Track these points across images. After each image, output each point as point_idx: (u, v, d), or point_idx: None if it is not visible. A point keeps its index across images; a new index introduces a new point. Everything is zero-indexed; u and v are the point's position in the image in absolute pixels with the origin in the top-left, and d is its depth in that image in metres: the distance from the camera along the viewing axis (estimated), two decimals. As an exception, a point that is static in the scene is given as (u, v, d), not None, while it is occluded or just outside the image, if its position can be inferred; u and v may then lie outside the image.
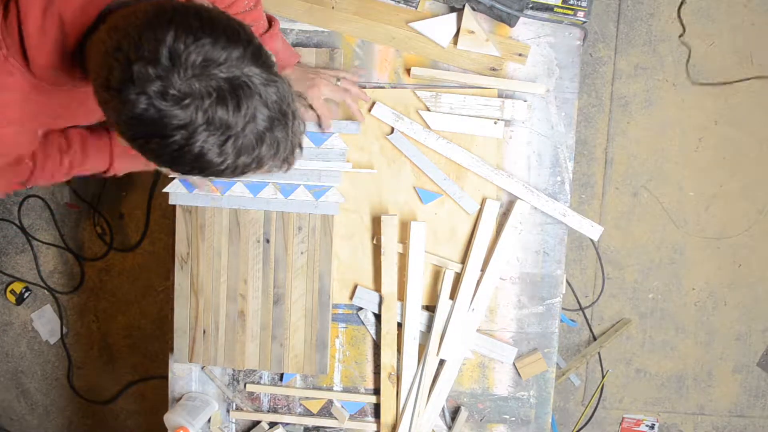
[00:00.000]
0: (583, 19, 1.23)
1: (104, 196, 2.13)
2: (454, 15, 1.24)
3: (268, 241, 1.27)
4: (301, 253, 1.27)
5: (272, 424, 1.33)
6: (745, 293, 2.24)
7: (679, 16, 2.09)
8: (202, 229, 1.27)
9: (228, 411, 1.34)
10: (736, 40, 2.15)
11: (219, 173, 0.72)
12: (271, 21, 1.11)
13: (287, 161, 0.76)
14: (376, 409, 1.32)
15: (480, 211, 1.26)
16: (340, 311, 1.31)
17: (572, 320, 2.23)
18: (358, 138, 1.26)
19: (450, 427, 1.32)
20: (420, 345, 1.28)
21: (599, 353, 2.23)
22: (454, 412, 1.33)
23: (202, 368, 1.33)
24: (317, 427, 1.33)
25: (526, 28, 1.25)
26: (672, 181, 2.21)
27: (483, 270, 1.26)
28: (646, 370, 2.28)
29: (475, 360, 1.31)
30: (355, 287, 1.29)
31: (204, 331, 1.29)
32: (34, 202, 2.14)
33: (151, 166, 1.09)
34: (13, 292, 2.15)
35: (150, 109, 0.65)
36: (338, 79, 1.21)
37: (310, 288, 1.27)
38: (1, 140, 0.85)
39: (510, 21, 1.21)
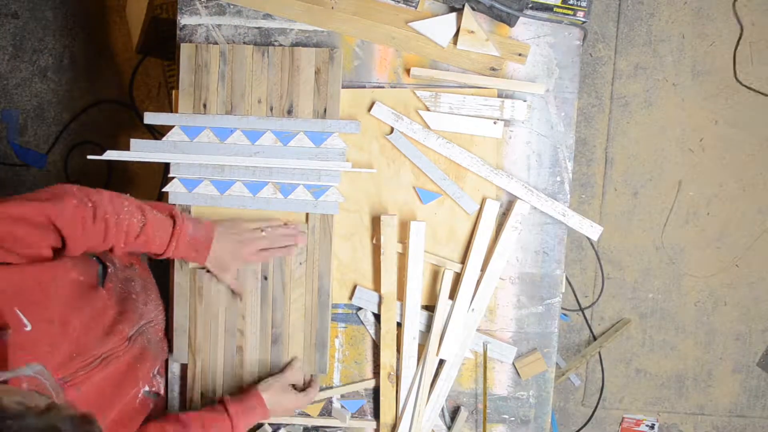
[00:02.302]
0: (583, 19, 1.23)
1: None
2: (453, 15, 1.24)
3: (266, 278, 1.27)
4: (299, 295, 1.28)
5: (273, 426, 1.33)
6: (745, 293, 2.24)
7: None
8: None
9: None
10: (735, 40, 2.15)
11: None
12: (173, 216, 1.15)
13: None
14: (376, 409, 1.32)
15: (480, 211, 1.26)
16: (340, 311, 1.31)
17: (564, 314, 2.23)
18: (357, 138, 1.26)
19: (450, 427, 1.32)
20: (419, 345, 1.28)
21: (599, 353, 2.23)
22: (454, 412, 1.33)
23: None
24: (317, 427, 1.33)
25: (525, 28, 1.25)
26: (672, 181, 2.21)
27: (483, 270, 1.26)
28: (646, 370, 2.29)
29: (475, 360, 1.31)
30: (355, 287, 1.29)
31: (203, 362, 1.29)
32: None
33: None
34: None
35: None
36: (262, 230, 1.23)
37: (309, 288, 1.27)
38: None
39: (510, 21, 1.21)
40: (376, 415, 1.32)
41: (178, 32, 1.28)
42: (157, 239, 1.11)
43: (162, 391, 1.20)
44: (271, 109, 1.25)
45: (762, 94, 2.15)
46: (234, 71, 1.25)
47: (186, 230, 1.14)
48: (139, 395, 1.13)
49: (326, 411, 1.33)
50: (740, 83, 2.15)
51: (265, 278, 1.26)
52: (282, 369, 1.27)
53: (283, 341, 1.28)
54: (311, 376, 1.29)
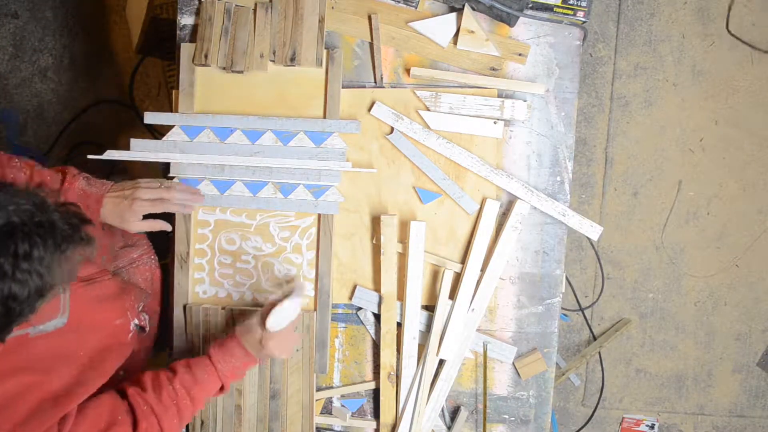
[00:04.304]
0: (583, 19, 1.23)
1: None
2: (453, 15, 1.24)
3: None
4: (297, 350, 1.28)
5: None
6: (745, 293, 2.24)
7: None
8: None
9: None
10: (736, 40, 2.15)
11: None
12: (63, 172, 1.13)
13: None
14: (376, 409, 1.32)
15: (480, 210, 1.26)
16: (340, 311, 1.31)
17: (564, 314, 2.23)
18: (357, 138, 1.26)
19: (450, 427, 1.32)
20: (420, 345, 1.28)
21: (599, 353, 2.23)
22: (454, 412, 1.33)
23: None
24: (317, 428, 1.33)
25: (525, 28, 1.25)
26: (672, 181, 2.21)
27: (483, 270, 1.26)
28: (646, 370, 2.29)
29: (475, 360, 1.31)
30: (355, 287, 1.29)
31: (202, 423, 1.29)
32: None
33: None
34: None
35: None
36: (161, 185, 1.17)
37: (306, 347, 1.27)
38: None
39: (510, 21, 1.21)
40: (376, 414, 1.32)
41: (178, 32, 1.28)
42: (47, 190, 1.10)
43: (148, 327, 1.23)
44: (274, 53, 1.24)
45: (762, 93, 2.15)
46: (237, 29, 1.24)
47: (75, 186, 1.12)
48: (131, 329, 1.16)
49: (326, 410, 1.33)
50: (740, 83, 2.15)
51: None
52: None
53: (281, 395, 1.28)
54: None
